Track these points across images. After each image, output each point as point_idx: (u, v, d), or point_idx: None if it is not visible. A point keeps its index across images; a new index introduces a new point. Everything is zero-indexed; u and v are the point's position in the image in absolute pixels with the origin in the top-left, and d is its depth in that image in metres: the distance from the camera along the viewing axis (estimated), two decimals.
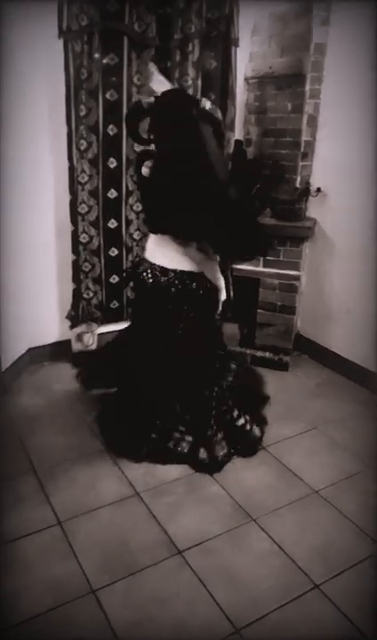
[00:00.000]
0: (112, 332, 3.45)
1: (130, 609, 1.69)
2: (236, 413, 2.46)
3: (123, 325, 3.27)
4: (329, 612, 1.70)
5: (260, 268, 3.20)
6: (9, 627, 1.62)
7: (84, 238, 3.08)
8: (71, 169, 2.89)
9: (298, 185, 3.13)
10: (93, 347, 3.28)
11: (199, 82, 3.01)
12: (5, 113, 2.64)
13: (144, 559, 1.87)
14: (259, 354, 3.32)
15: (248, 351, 3.35)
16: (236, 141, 2.97)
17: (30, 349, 3.21)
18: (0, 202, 2.69)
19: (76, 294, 3.20)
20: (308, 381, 3.17)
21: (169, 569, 1.84)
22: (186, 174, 1.97)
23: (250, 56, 3.16)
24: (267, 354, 3.31)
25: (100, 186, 3.01)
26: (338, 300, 3.19)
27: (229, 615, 1.68)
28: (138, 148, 2.33)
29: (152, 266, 2.28)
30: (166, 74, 2.90)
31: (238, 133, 3.28)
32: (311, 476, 2.31)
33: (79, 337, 3.21)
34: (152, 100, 2.00)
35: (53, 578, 1.79)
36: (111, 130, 2.92)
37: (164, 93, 2.04)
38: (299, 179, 3.13)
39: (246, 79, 3.21)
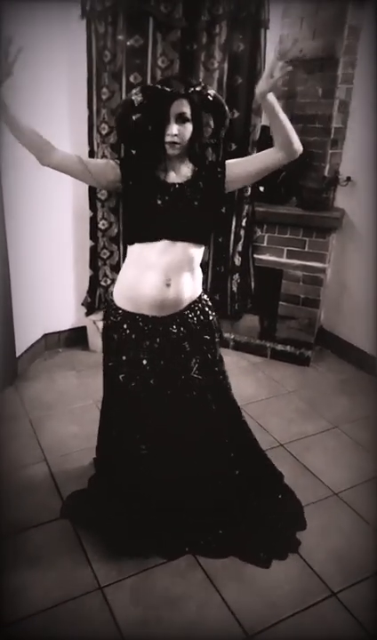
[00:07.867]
0: None
1: (137, 608, 1.63)
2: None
3: None
4: (345, 622, 1.61)
5: (284, 259, 3.09)
6: (14, 621, 1.58)
7: (103, 225, 3.02)
8: (91, 153, 2.82)
9: (326, 173, 3.01)
10: None
11: (226, 65, 2.90)
12: (23, 95, 2.57)
13: (154, 557, 1.80)
14: (279, 347, 3.23)
15: (268, 344, 3.26)
16: (264, 127, 2.87)
17: (46, 335, 3.19)
18: (17, 186, 2.64)
19: (93, 281, 3.15)
20: (330, 377, 3.06)
21: (180, 568, 1.77)
22: None
23: (279, 38, 3.03)
24: (288, 347, 3.22)
25: None
26: (364, 294, 3.07)
27: (241, 620, 1.60)
28: None
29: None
30: (192, 56, 2.81)
31: (265, 119, 3.16)
32: (331, 477, 2.22)
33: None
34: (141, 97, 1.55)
35: (61, 571, 1.74)
36: None
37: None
38: (327, 167, 3.01)
39: None
